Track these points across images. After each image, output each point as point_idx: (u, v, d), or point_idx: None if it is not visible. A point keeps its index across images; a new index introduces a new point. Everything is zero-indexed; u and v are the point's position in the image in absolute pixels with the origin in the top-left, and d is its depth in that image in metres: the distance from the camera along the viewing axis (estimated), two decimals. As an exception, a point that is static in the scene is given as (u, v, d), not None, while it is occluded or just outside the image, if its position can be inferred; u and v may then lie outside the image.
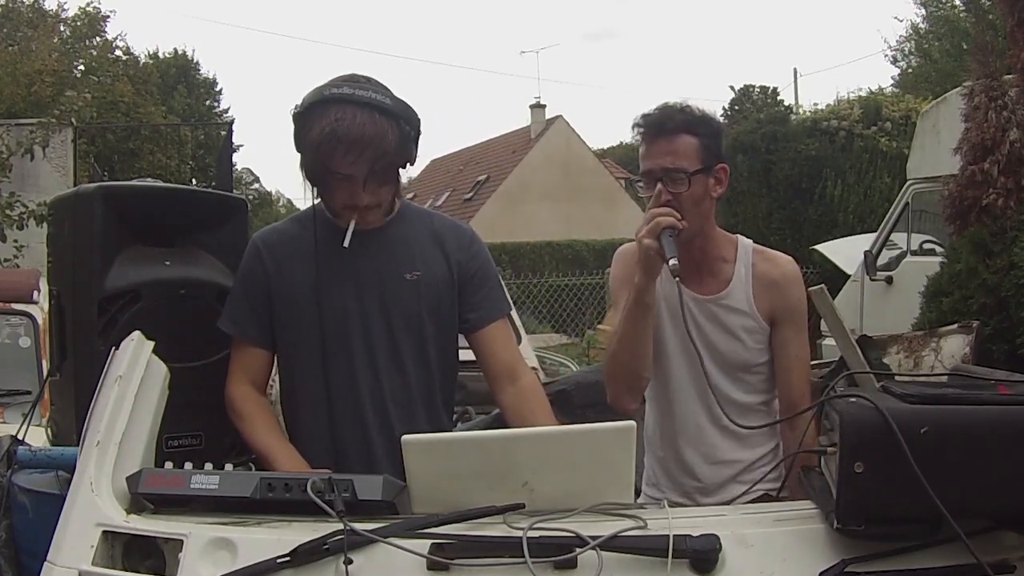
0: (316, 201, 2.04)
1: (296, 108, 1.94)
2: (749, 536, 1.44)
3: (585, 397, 2.65)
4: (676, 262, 1.95)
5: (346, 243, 1.95)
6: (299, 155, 1.96)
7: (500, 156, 27.03)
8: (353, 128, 1.86)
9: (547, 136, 25.93)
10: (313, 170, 1.94)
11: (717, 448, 2.14)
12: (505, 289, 2.18)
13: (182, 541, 1.44)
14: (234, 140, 18.68)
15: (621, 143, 45.96)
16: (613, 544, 1.39)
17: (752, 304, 2.13)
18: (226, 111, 29.16)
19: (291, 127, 1.94)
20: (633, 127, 2.14)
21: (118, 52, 19.51)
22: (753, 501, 1.97)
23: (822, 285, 2.20)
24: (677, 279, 1.95)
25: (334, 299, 2.00)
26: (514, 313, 2.79)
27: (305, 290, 2.01)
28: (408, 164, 2.00)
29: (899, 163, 10.02)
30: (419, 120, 1.97)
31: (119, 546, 1.48)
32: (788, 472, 1.85)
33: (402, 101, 1.94)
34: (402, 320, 2.02)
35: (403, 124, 1.92)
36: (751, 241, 2.22)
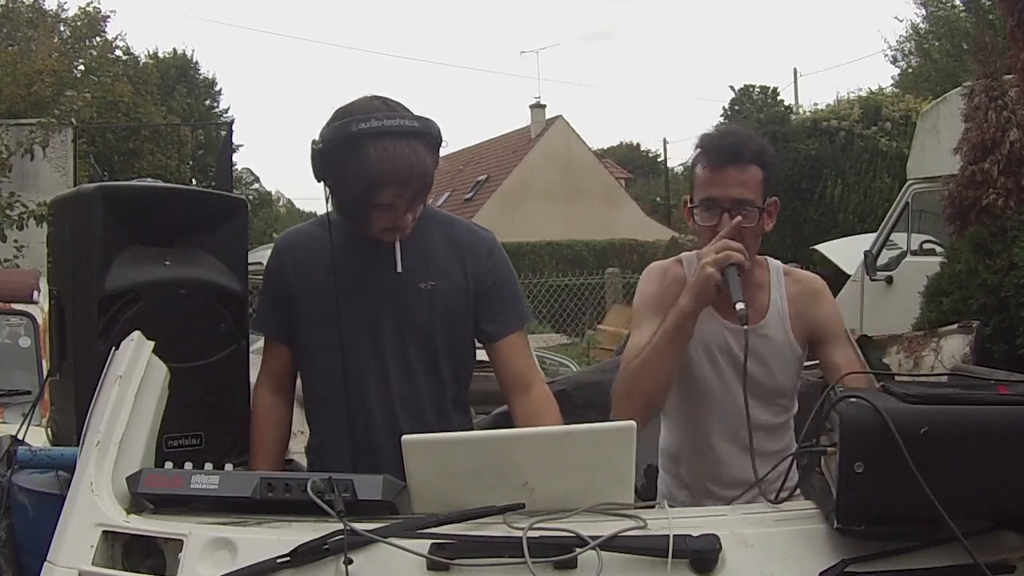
0: (329, 209, 2.04)
1: (318, 143, 1.91)
2: (749, 536, 1.44)
3: (585, 397, 2.65)
4: (744, 307, 1.87)
5: (399, 268, 2.00)
6: (330, 187, 1.95)
7: (500, 156, 27.01)
8: (401, 165, 1.86)
9: (547, 136, 25.92)
10: (355, 207, 1.95)
11: (745, 470, 2.10)
12: (523, 296, 2.17)
13: (182, 541, 1.44)
14: (234, 140, 18.67)
15: (621, 143, 46.06)
16: (613, 544, 1.39)
17: (789, 332, 2.10)
18: (226, 111, 29.16)
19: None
20: (698, 147, 2.05)
21: (118, 52, 19.50)
22: None
23: (822, 285, 2.20)
24: (745, 327, 1.87)
25: (347, 305, 2.02)
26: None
27: (322, 295, 2.03)
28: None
29: (899, 163, 10.03)
30: (440, 130, 1.96)
31: (119, 546, 1.48)
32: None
33: (423, 117, 1.94)
34: (413, 329, 2.03)
35: (431, 140, 1.93)
36: (779, 262, 2.18)
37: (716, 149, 2.01)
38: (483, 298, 2.08)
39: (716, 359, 2.08)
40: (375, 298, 2.03)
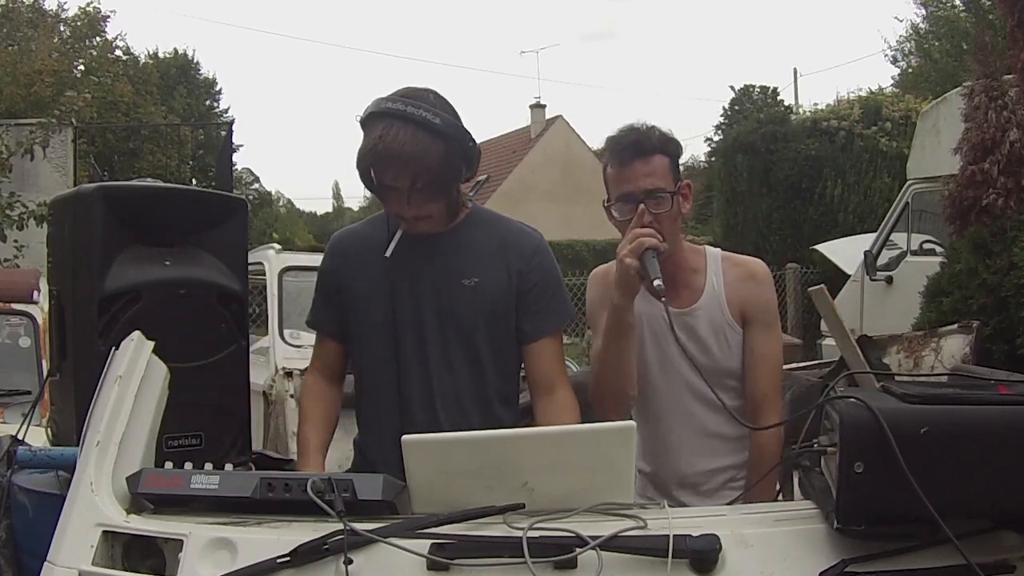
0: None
1: (360, 115, 2.00)
2: (749, 536, 1.44)
3: (585, 397, 2.64)
4: (661, 282, 1.96)
5: (388, 253, 2.05)
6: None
7: (500, 156, 27.03)
8: (394, 146, 1.92)
9: (547, 136, 25.94)
10: (366, 178, 2.00)
11: (708, 456, 2.17)
12: (567, 296, 2.19)
13: (182, 541, 1.44)
14: (234, 140, 18.67)
15: (621, 143, 45.97)
16: (613, 544, 1.39)
17: (726, 310, 2.16)
18: (226, 111, 29.16)
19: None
20: (605, 150, 2.16)
21: (118, 52, 19.51)
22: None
23: (822, 285, 2.21)
24: (663, 299, 1.97)
25: (393, 300, 2.07)
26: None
27: (371, 290, 2.09)
28: (460, 181, 2.05)
29: (899, 163, 10.01)
30: (471, 140, 2.00)
31: (119, 546, 1.49)
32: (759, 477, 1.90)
33: (453, 121, 1.98)
34: (456, 324, 2.07)
35: (452, 143, 1.95)
36: (719, 250, 2.27)
37: (620, 147, 2.11)
38: (525, 297, 2.10)
39: (658, 341, 2.17)
40: (420, 294, 2.07)
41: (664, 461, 2.21)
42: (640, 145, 2.09)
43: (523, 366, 2.16)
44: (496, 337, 2.09)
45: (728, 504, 2.00)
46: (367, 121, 1.98)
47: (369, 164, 1.96)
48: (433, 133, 1.93)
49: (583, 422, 1.67)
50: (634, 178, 2.08)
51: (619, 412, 2.12)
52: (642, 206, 2.04)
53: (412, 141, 1.92)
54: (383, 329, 2.08)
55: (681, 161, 2.21)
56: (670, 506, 1.53)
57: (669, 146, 2.13)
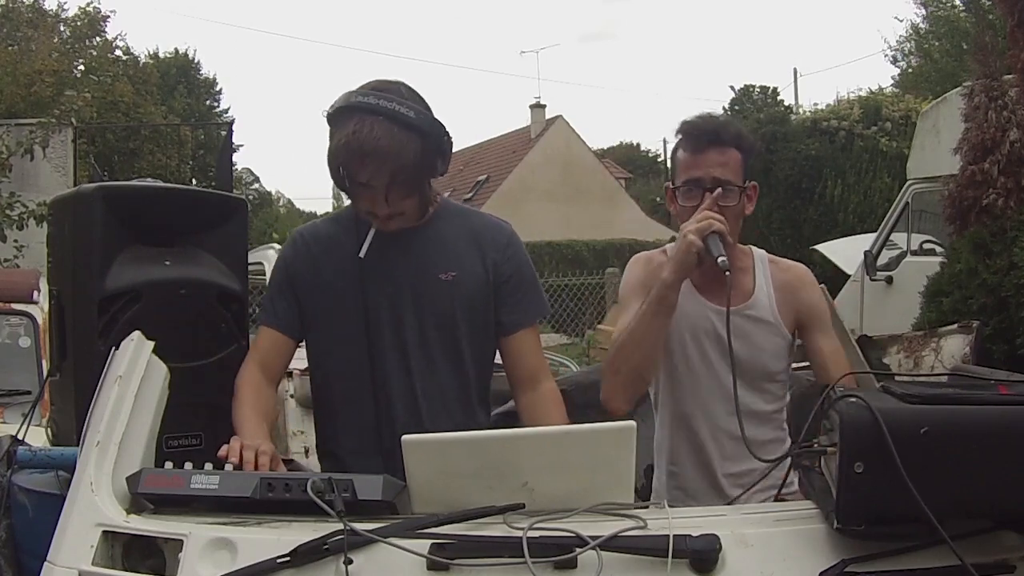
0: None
1: (327, 110, 1.94)
2: (749, 536, 1.44)
3: (585, 397, 2.64)
4: (725, 259, 1.91)
5: (362, 254, 1.98)
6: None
7: (500, 156, 27.04)
8: (369, 141, 1.85)
9: (547, 136, 25.94)
10: (336, 176, 1.93)
11: (738, 460, 2.11)
12: (542, 289, 2.17)
13: (182, 541, 1.44)
14: (234, 140, 18.69)
15: (621, 143, 46.04)
16: (613, 544, 1.39)
17: (776, 313, 2.12)
18: (226, 111, 29.19)
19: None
20: (678, 132, 2.10)
21: (118, 52, 19.54)
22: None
23: (822, 285, 2.21)
24: (727, 272, 1.91)
25: (368, 298, 2.02)
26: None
27: (340, 288, 2.03)
28: (435, 175, 2.00)
29: (899, 163, 10.01)
30: (445, 133, 1.96)
31: (119, 546, 1.48)
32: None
33: (428, 114, 1.93)
34: (435, 320, 2.03)
35: (427, 138, 1.91)
36: (763, 251, 2.22)
37: (696, 132, 2.07)
38: (501, 289, 2.07)
39: (701, 342, 2.11)
40: (397, 291, 2.03)
41: (697, 463, 2.16)
42: (718, 134, 2.05)
43: (503, 360, 2.12)
44: (475, 331, 2.06)
45: (739, 496, 1.99)
46: (336, 116, 1.92)
47: (342, 161, 1.89)
48: (408, 128, 1.88)
49: (580, 422, 1.66)
50: (706, 165, 2.03)
51: (627, 394, 2.06)
52: (719, 190, 2.01)
53: (388, 136, 1.86)
54: (356, 330, 2.02)
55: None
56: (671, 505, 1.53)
57: (744, 142, 2.09)
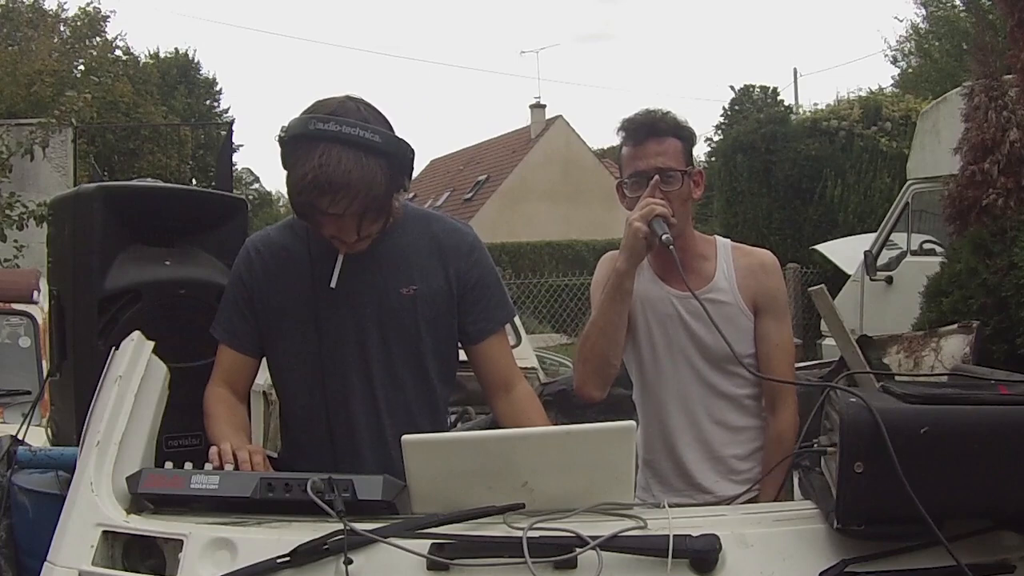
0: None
1: (281, 134, 1.84)
2: (749, 536, 1.44)
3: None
4: (669, 235, 1.99)
5: (332, 284, 1.91)
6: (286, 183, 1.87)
7: (500, 156, 27.02)
8: (338, 174, 1.75)
9: (547, 136, 25.93)
10: (300, 207, 1.84)
11: (711, 444, 2.16)
12: (507, 291, 2.15)
13: (182, 541, 1.44)
14: (234, 140, 18.71)
15: (621, 143, 45.99)
16: (613, 544, 1.39)
17: (737, 294, 2.17)
18: (226, 111, 29.17)
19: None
20: (620, 130, 2.20)
21: (118, 52, 19.56)
22: (749, 501, 1.98)
23: (822, 285, 2.21)
24: (671, 247, 1.98)
25: (329, 314, 1.95)
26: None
27: (299, 304, 1.96)
28: (400, 192, 1.91)
29: (899, 163, 10.01)
30: (411, 155, 1.88)
31: (119, 546, 1.49)
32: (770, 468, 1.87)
33: (391, 134, 1.84)
34: (398, 335, 1.98)
35: (393, 160, 1.82)
36: (728, 240, 2.29)
37: (634, 127, 2.16)
38: (465, 298, 2.03)
39: (666, 327, 2.18)
40: (357, 306, 1.95)
41: (664, 449, 2.20)
42: (654, 126, 2.14)
43: (473, 369, 2.08)
44: (439, 343, 2.02)
45: (740, 495, 2.00)
46: (295, 144, 1.80)
47: (309, 195, 1.78)
48: (376, 153, 1.79)
49: (580, 422, 1.65)
50: (646, 156, 2.12)
51: (598, 379, 2.13)
52: (656, 177, 2.08)
53: (358, 168, 1.76)
54: (316, 347, 1.94)
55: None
56: (669, 504, 1.53)
57: (682, 131, 2.17)
